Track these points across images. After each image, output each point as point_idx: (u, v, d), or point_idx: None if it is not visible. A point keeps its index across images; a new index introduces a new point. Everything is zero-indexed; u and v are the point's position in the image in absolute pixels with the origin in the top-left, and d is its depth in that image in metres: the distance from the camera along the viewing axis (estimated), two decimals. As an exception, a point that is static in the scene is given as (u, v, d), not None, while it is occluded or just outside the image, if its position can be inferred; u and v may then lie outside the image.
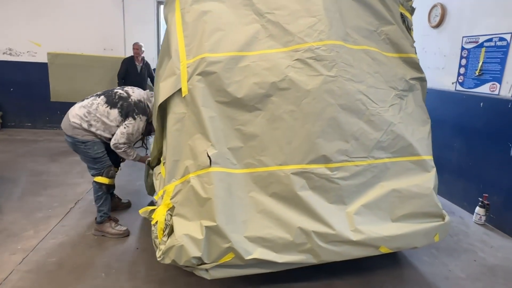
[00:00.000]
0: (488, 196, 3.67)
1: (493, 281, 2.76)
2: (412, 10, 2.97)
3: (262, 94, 2.36)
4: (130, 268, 2.69)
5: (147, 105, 3.04)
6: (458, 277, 2.79)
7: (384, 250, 2.42)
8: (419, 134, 2.68)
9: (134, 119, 2.93)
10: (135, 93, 3.06)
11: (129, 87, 3.16)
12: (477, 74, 3.90)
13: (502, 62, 3.60)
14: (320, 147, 2.35)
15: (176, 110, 2.40)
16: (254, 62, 2.39)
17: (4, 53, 6.71)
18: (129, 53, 6.75)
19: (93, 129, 2.91)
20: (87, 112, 2.91)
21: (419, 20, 4.03)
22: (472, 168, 3.96)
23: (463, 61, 4.13)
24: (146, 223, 3.41)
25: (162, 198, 2.34)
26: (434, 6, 4.54)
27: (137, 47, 5.99)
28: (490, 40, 3.76)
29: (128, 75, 5.98)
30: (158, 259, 2.22)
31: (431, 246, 3.12)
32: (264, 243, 2.23)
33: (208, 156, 2.24)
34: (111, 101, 2.95)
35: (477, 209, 3.72)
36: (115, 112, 2.92)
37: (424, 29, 4.70)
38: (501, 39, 3.62)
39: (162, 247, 2.18)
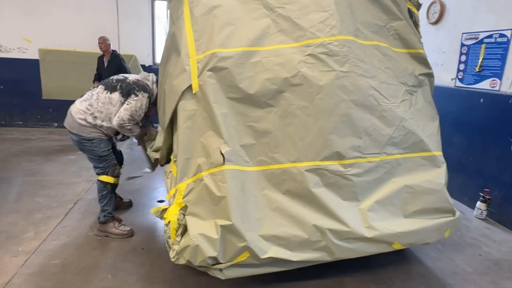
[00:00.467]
0: (489, 191, 3.71)
1: (499, 274, 2.79)
2: (418, 6, 2.97)
3: (275, 90, 2.32)
4: (137, 268, 2.63)
5: (146, 84, 3.04)
6: (465, 271, 2.81)
7: (397, 246, 2.42)
8: (429, 130, 2.68)
9: (136, 95, 2.91)
10: (131, 76, 3.12)
11: (121, 74, 3.19)
12: (477, 70, 3.93)
13: (503, 58, 3.63)
14: (334, 144, 2.33)
15: (187, 107, 2.34)
16: (266, 58, 2.34)
17: (-7, 50, 6.50)
18: (123, 50, 6.63)
19: (98, 121, 2.88)
20: (88, 105, 2.88)
21: (418, 17, 4.03)
22: (473, 163, 4.00)
23: (463, 58, 4.16)
24: (149, 223, 3.35)
25: (174, 197, 2.28)
26: (433, 2, 4.56)
27: (101, 41, 5.38)
28: (490, 36, 3.79)
29: (101, 73, 5.58)
30: (172, 260, 2.16)
31: (437, 242, 3.13)
32: (279, 241, 2.20)
33: (222, 153, 2.20)
34: (110, 86, 2.95)
35: (478, 203, 3.77)
36: (116, 95, 2.91)
37: (422, 25, 4.65)
38: (502, 35, 3.65)
39: (176, 247, 2.13)
